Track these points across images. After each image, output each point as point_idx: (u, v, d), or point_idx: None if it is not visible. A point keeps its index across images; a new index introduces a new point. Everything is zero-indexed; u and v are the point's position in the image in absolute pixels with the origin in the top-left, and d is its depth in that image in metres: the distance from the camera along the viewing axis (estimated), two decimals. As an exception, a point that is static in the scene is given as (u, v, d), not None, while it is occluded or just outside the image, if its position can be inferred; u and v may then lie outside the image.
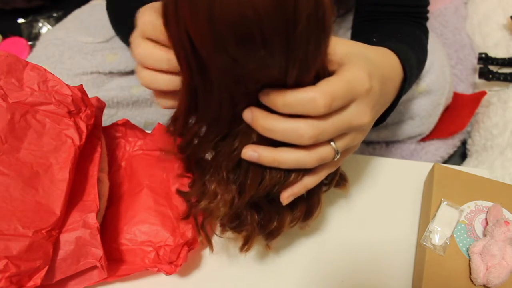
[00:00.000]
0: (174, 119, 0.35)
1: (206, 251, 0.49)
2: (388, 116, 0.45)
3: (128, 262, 0.45)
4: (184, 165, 0.40)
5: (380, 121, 0.44)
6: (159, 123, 0.49)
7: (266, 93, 0.29)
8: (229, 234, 0.43)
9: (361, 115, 0.32)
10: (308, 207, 0.41)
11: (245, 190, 0.36)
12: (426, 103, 0.72)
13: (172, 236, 0.46)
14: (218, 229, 0.44)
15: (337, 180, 0.43)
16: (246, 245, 0.42)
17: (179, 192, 0.43)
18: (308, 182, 0.35)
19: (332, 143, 0.32)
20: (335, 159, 0.34)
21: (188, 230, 0.45)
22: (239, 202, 0.36)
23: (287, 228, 0.41)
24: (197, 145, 0.36)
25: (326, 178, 0.41)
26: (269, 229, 0.41)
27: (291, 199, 0.36)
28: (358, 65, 0.31)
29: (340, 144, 0.33)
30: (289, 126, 0.30)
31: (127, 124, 0.53)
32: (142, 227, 0.47)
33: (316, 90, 0.29)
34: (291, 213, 0.40)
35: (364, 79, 0.31)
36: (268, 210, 0.39)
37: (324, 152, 0.32)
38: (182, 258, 0.43)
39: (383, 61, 0.38)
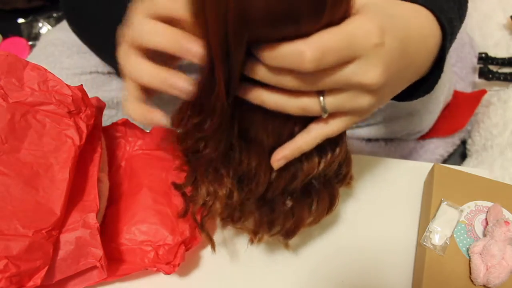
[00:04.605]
0: (179, 111, 0.34)
1: (206, 250, 0.49)
2: (434, 82, 0.38)
3: (127, 262, 0.45)
4: (181, 158, 0.39)
5: (420, 89, 0.39)
6: None
7: (259, 47, 0.27)
8: (227, 237, 0.43)
9: (365, 72, 0.28)
10: (330, 202, 0.41)
11: (242, 184, 0.35)
12: (426, 99, 0.71)
13: (172, 235, 0.46)
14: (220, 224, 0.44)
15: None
16: (253, 240, 0.42)
17: (173, 184, 0.43)
18: (302, 142, 0.32)
19: (321, 97, 0.29)
20: (323, 116, 0.30)
21: (186, 229, 0.45)
22: (236, 196, 0.36)
23: (311, 225, 0.41)
24: (194, 137, 0.35)
25: (338, 172, 0.40)
26: (285, 227, 0.40)
27: (282, 162, 0.33)
28: (368, 17, 0.27)
29: (331, 100, 0.29)
30: (275, 78, 0.28)
31: (127, 123, 0.53)
32: (142, 227, 0.47)
33: (306, 42, 0.26)
34: (308, 209, 0.40)
35: (372, 32, 0.27)
36: (280, 206, 0.39)
37: (309, 103, 0.29)
38: (179, 258, 0.43)
39: (409, 18, 0.33)
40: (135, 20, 0.30)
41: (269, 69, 0.28)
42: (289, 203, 0.39)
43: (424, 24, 0.34)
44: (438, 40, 0.36)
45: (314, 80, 0.28)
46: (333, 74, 0.27)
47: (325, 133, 0.32)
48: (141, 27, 0.29)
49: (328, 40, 0.26)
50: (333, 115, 0.31)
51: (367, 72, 0.28)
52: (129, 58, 0.31)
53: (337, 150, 0.36)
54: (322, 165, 0.35)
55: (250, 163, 0.35)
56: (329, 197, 0.41)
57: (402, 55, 0.30)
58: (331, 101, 0.29)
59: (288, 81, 0.28)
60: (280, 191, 0.37)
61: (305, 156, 0.34)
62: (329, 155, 0.35)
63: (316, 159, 0.35)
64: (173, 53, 0.29)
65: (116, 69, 0.62)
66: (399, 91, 0.35)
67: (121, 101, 0.67)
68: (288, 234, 0.41)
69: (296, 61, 0.26)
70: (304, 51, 0.25)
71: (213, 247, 0.44)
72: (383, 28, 0.27)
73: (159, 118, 0.34)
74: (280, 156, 0.33)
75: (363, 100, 0.30)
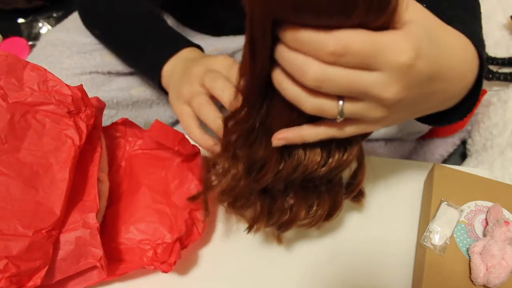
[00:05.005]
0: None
1: (205, 249, 0.49)
2: (466, 112, 0.38)
3: (127, 261, 0.45)
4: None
5: (450, 116, 0.38)
6: (157, 119, 0.49)
7: (283, 26, 0.27)
8: (226, 236, 0.43)
9: (384, 86, 0.27)
10: (330, 210, 0.41)
11: (253, 170, 0.36)
12: None
13: (170, 233, 0.46)
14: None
15: (356, 194, 0.43)
16: (251, 229, 0.42)
17: (204, 158, 0.46)
18: (306, 132, 0.33)
19: (340, 101, 0.29)
20: (338, 120, 0.30)
21: (182, 226, 0.45)
22: (242, 182, 0.37)
23: (307, 227, 0.41)
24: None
25: (348, 183, 0.41)
26: (280, 221, 0.41)
27: (282, 142, 0.33)
28: (407, 34, 0.27)
29: (350, 106, 0.29)
30: (296, 58, 0.27)
31: (126, 122, 0.53)
32: (140, 226, 0.47)
33: (332, 34, 0.25)
34: (306, 209, 0.40)
35: (404, 51, 0.26)
36: (281, 201, 0.39)
37: (326, 104, 0.29)
38: (174, 255, 0.43)
39: (454, 50, 0.32)
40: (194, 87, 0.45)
41: (288, 49, 0.28)
42: (290, 199, 0.40)
43: (467, 59, 0.34)
44: (475, 74, 0.35)
45: (334, 77, 0.27)
46: (352, 77, 0.27)
47: (333, 133, 0.32)
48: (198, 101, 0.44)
49: (354, 40, 0.26)
50: (345, 119, 0.31)
51: (386, 86, 0.27)
52: (185, 116, 0.46)
53: (346, 154, 0.35)
54: (328, 165, 0.35)
55: (263, 151, 0.35)
56: (330, 204, 0.41)
57: (431, 82, 0.30)
58: (349, 107, 0.29)
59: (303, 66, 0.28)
60: (282, 182, 0.37)
61: (309, 149, 0.35)
62: (336, 156, 0.35)
63: (319, 156, 0.35)
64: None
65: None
66: (418, 115, 0.35)
67: (121, 100, 0.67)
68: (281, 227, 0.42)
69: (316, 48, 0.26)
70: (327, 42, 0.25)
71: (208, 214, 0.45)
72: (419, 51, 0.27)
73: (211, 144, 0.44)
74: (281, 136, 0.33)
75: (377, 112, 0.30)
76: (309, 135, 0.33)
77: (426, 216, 0.47)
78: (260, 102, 0.33)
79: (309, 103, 0.29)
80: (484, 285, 0.41)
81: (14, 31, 1.18)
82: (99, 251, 0.41)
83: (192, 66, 0.48)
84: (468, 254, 0.43)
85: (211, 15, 0.68)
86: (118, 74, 0.68)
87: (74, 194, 0.43)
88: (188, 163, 0.50)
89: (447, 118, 0.39)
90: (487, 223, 0.44)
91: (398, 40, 0.26)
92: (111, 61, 0.67)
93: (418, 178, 0.53)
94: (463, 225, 0.45)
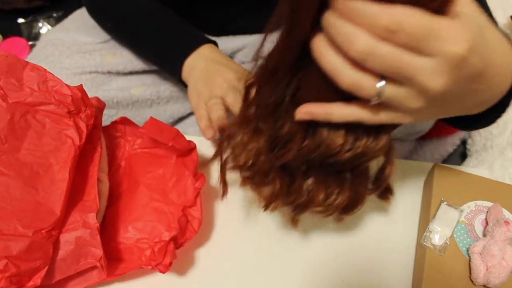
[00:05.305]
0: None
1: (202, 249, 0.49)
2: (495, 118, 0.37)
3: (126, 261, 0.45)
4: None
5: (477, 121, 0.37)
6: (151, 117, 0.49)
7: None
8: (226, 236, 0.43)
9: (432, 75, 0.26)
10: (350, 201, 0.39)
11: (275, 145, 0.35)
12: None
13: (167, 231, 0.46)
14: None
15: (383, 191, 0.42)
16: (268, 207, 0.41)
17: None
18: (334, 110, 0.31)
19: (382, 82, 0.27)
20: (373, 102, 0.28)
21: (176, 224, 0.45)
22: (263, 158, 0.36)
23: (324, 215, 0.40)
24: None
25: (374, 181, 0.39)
26: (296, 202, 0.39)
27: (306, 116, 0.32)
28: (465, 26, 0.25)
29: (388, 89, 0.27)
30: (345, 27, 0.25)
31: (125, 121, 0.53)
32: (138, 225, 0.47)
33: (388, 9, 0.24)
34: (325, 194, 0.39)
35: (461, 41, 0.25)
36: (300, 181, 0.38)
37: (366, 81, 0.27)
38: (169, 256, 0.43)
39: (499, 50, 0.30)
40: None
41: (338, 16, 0.26)
42: (310, 181, 0.38)
43: (510, 63, 0.32)
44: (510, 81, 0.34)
45: (382, 52, 0.25)
46: (400, 57, 0.25)
47: (363, 115, 0.30)
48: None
49: (410, 19, 0.24)
50: (379, 104, 0.29)
51: (433, 75, 0.26)
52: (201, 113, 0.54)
53: (374, 142, 0.34)
54: (353, 150, 0.33)
55: (289, 127, 0.34)
56: (351, 195, 0.39)
57: (477, 79, 0.28)
58: (388, 90, 0.27)
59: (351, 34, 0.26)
60: (302, 160, 0.36)
61: (334, 130, 0.33)
62: (364, 141, 0.33)
63: (342, 139, 0.33)
64: None
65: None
66: (450, 114, 0.33)
67: (121, 100, 0.67)
68: (297, 208, 0.40)
69: (369, 20, 0.25)
70: (382, 15, 0.24)
71: (225, 191, 0.45)
72: (474, 44, 0.25)
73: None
74: (306, 110, 0.32)
75: (415, 102, 0.28)
76: (337, 113, 0.31)
77: (426, 216, 0.47)
78: (291, 75, 0.31)
79: (348, 76, 0.27)
80: (484, 285, 0.41)
81: (14, 31, 1.18)
82: (99, 251, 0.41)
83: (215, 73, 0.55)
84: (468, 254, 0.43)
85: (210, 15, 0.68)
86: (118, 73, 0.68)
87: (74, 194, 0.43)
88: (183, 158, 0.50)
89: (472, 123, 0.38)
90: (487, 223, 0.44)
91: (456, 29, 0.25)
92: (111, 61, 0.67)
93: (418, 178, 0.53)
94: (463, 225, 0.45)
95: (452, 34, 0.25)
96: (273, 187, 0.40)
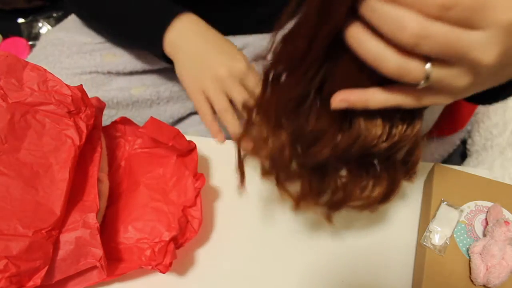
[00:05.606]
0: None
1: (203, 249, 0.49)
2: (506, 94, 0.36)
3: (126, 261, 0.45)
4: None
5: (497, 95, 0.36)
6: (151, 117, 0.49)
7: None
8: (226, 236, 0.42)
9: (486, 48, 0.24)
10: (387, 190, 0.38)
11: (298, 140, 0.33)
12: None
13: (168, 231, 0.46)
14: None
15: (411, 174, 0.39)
16: (297, 206, 0.39)
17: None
18: (373, 96, 0.29)
19: (428, 64, 0.26)
20: (420, 86, 0.27)
21: (176, 225, 0.45)
22: (287, 153, 0.34)
23: (361, 209, 0.38)
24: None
25: (406, 159, 0.36)
26: (332, 200, 0.38)
27: (343, 105, 0.30)
28: None
29: (437, 71, 0.26)
30: (393, 11, 0.24)
31: (125, 121, 0.53)
32: (138, 224, 0.47)
33: None
34: (361, 191, 0.37)
35: (510, 9, 0.23)
36: (332, 177, 0.36)
37: (413, 65, 0.26)
38: (169, 256, 0.42)
39: None
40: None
41: (383, 2, 0.25)
42: (343, 177, 0.37)
43: None
44: None
45: (434, 34, 0.24)
46: (455, 36, 0.24)
47: (405, 100, 0.29)
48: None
49: None
50: (425, 87, 0.28)
51: (487, 48, 0.24)
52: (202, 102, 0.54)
53: (410, 128, 0.32)
54: (390, 139, 0.32)
55: (316, 122, 0.32)
56: (388, 183, 0.37)
57: None
58: (437, 71, 0.26)
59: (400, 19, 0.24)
60: (339, 157, 0.34)
61: (369, 119, 0.31)
62: (399, 128, 0.32)
63: (380, 129, 0.31)
64: None
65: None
66: (487, 87, 0.31)
67: (121, 100, 0.67)
68: (333, 207, 0.38)
69: (420, 1, 0.23)
70: None
71: (243, 182, 0.42)
72: None
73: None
74: (342, 97, 0.30)
75: (464, 80, 0.27)
76: (376, 99, 0.29)
77: (426, 216, 0.47)
78: (318, 66, 0.30)
79: (393, 62, 0.26)
80: (484, 285, 0.41)
81: (14, 31, 1.18)
82: (99, 251, 0.41)
83: (214, 55, 0.53)
84: (468, 254, 0.43)
85: (209, 16, 0.68)
86: (118, 74, 0.68)
87: (74, 194, 0.43)
88: (183, 158, 0.50)
89: (495, 96, 0.36)
90: (487, 223, 0.44)
91: None
92: (111, 61, 0.67)
93: (418, 178, 0.53)
94: (463, 225, 0.45)
95: (503, 2, 0.24)
96: (301, 185, 0.37)
